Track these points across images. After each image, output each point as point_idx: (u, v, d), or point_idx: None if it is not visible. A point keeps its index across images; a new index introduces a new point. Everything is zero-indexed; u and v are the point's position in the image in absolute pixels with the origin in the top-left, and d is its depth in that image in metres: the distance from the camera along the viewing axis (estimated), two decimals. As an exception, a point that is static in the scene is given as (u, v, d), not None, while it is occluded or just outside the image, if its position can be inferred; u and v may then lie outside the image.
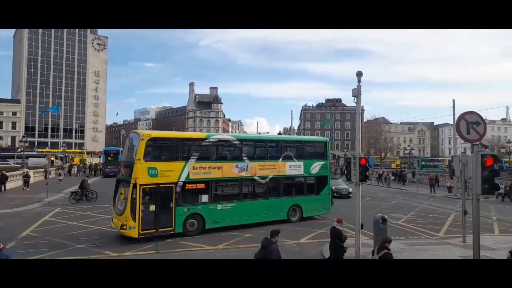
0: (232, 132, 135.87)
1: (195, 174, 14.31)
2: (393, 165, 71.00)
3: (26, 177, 29.76)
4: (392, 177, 43.40)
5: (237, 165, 15.61)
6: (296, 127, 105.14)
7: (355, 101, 11.79)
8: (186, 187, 14.09)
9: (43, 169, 36.14)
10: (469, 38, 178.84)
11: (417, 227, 16.95)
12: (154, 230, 13.23)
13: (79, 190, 23.70)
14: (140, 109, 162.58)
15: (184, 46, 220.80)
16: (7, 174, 28.68)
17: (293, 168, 17.18)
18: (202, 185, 14.55)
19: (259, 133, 66.54)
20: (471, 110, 9.78)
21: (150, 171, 13.17)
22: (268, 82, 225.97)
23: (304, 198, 17.43)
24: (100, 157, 61.19)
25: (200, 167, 14.48)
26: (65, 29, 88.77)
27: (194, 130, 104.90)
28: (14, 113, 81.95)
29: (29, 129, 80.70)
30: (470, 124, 9.44)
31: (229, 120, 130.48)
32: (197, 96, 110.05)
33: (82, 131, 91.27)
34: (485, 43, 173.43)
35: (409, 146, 67.86)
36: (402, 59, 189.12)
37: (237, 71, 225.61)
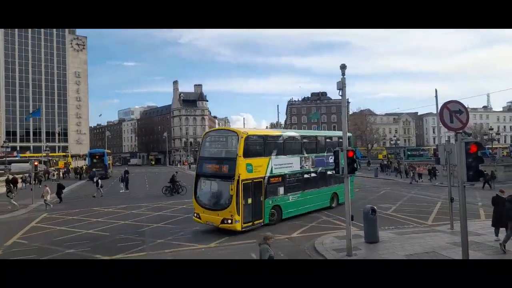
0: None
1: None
2: (380, 156, 71.99)
3: (12, 183, 29.08)
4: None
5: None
6: (283, 122, 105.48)
7: (340, 94, 11.85)
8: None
9: (27, 174, 35.30)
10: (443, 29, 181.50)
11: (406, 216, 17.25)
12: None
13: (170, 185, 26.99)
14: (123, 109, 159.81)
15: (163, 44, 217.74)
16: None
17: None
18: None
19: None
20: (453, 99, 9.90)
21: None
22: (251, 77, 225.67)
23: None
24: (85, 159, 60.06)
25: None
26: (42, 30, 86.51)
27: (180, 129, 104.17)
28: (-7, 118, 79.62)
29: (10, 134, 78.64)
30: (453, 113, 9.54)
31: (215, 117, 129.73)
32: (182, 94, 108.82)
33: (66, 134, 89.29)
34: (460, 33, 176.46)
35: (394, 136, 68.85)
36: (382, 51, 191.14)
37: (219, 67, 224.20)
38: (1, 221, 18.55)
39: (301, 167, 17.31)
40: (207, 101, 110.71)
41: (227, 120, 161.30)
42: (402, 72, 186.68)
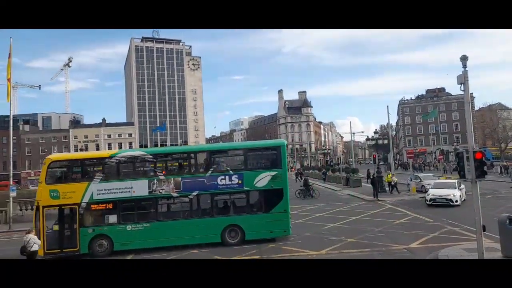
0: (324, 134, 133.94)
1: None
2: (517, 157, 61.37)
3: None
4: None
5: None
6: (394, 123, 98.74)
7: (462, 88, 10.62)
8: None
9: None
10: None
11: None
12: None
13: (304, 188, 29.14)
14: (234, 120, 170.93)
15: (267, 55, 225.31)
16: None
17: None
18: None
19: (353, 133, 64.04)
20: None
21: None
22: (357, 79, 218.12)
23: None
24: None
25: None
26: (165, 54, 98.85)
27: (286, 136, 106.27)
28: (129, 134, 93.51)
29: (142, 147, 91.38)
30: None
31: (320, 122, 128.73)
32: (287, 102, 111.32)
33: (186, 145, 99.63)
34: None
35: (536, 133, 57.86)
36: (504, 35, 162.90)
37: (323, 72, 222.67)
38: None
39: (151, 192, 14.40)
40: (312, 107, 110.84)
41: (333, 125, 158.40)
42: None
